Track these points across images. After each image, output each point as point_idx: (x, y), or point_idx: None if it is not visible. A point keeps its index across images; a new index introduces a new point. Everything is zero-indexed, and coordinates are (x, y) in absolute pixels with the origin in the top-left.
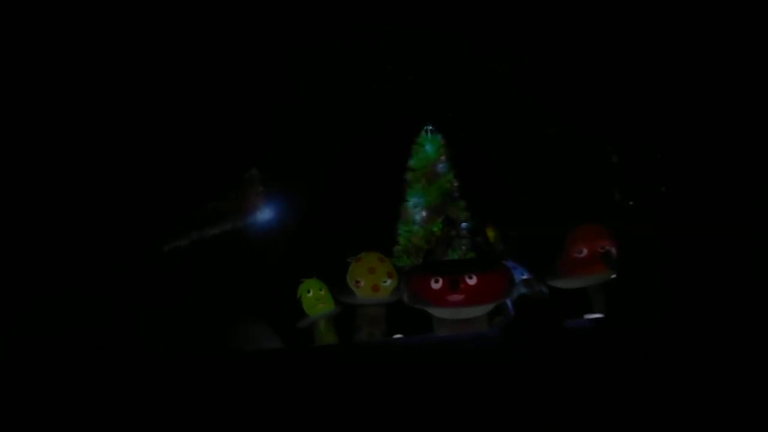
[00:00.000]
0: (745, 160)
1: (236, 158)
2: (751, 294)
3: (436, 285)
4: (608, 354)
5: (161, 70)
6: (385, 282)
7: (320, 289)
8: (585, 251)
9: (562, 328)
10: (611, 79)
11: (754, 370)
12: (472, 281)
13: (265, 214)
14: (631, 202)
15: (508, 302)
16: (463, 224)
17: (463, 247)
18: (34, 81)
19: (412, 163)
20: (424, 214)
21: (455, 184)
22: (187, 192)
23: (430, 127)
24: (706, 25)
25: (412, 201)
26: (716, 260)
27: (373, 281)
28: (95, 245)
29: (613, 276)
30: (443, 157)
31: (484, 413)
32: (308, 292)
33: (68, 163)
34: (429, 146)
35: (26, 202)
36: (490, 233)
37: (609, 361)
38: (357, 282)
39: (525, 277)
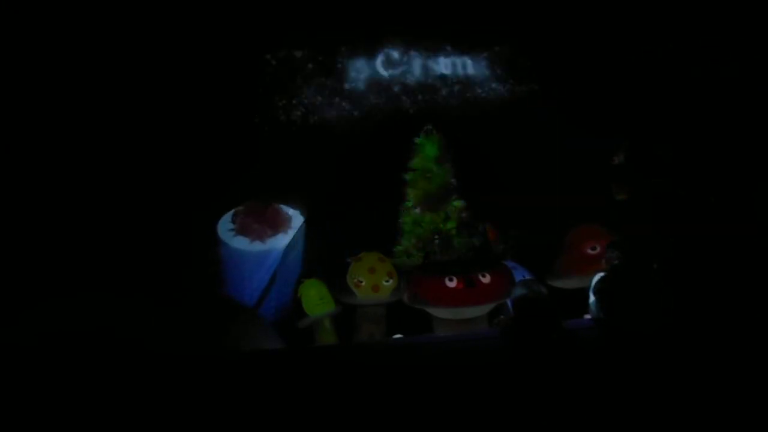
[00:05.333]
0: (745, 161)
1: (236, 159)
2: (751, 294)
3: (451, 284)
4: (608, 354)
5: (162, 72)
6: (386, 282)
7: (323, 288)
8: (598, 248)
9: (562, 328)
10: (611, 78)
11: (754, 371)
12: (485, 279)
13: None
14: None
15: (508, 302)
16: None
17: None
18: (37, 81)
19: (412, 163)
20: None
21: (455, 183)
22: (187, 192)
23: (430, 127)
24: (705, 24)
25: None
26: (716, 261)
27: (373, 281)
28: (94, 246)
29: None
30: (443, 157)
31: (484, 413)
32: (312, 291)
33: (68, 165)
34: (429, 146)
35: (27, 203)
36: (490, 233)
37: (609, 362)
38: (358, 282)
39: (525, 277)
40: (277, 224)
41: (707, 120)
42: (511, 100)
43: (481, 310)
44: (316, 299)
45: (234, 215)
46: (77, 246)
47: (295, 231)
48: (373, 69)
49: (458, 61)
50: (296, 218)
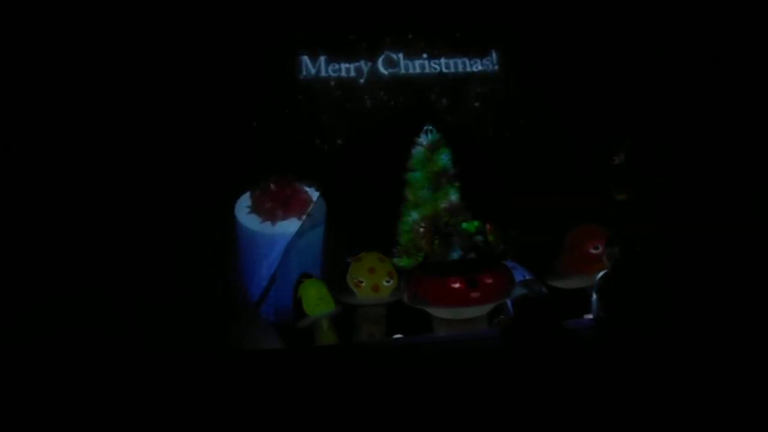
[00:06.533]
0: (746, 161)
1: (236, 159)
2: (751, 294)
3: (455, 284)
4: (608, 354)
5: (162, 71)
6: (387, 282)
7: (322, 288)
8: (601, 247)
9: (562, 328)
10: (611, 78)
11: (754, 371)
12: (489, 279)
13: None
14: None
15: (508, 302)
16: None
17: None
18: (38, 82)
19: (412, 163)
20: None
21: (458, 186)
22: (187, 192)
23: (430, 127)
24: (705, 25)
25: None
26: (716, 261)
27: (374, 281)
28: (94, 246)
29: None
30: (449, 163)
31: (483, 413)
32: (312, 291)
33: (67, 164)
34: (430, 148)
35: (26, 203)
36: (491, 235)
37: (609, 362)
38: (358, 282)
39: (525, 277)
40: (292, 207)
41: (707, 120)
42: (511, 99)
43: (482, 310)
44: (316, 299)
45: (252, 192)
46: (77, 246)
47: (310, 219)
48: (374, 69)
49: (458, 61)
50: (317, 206)
